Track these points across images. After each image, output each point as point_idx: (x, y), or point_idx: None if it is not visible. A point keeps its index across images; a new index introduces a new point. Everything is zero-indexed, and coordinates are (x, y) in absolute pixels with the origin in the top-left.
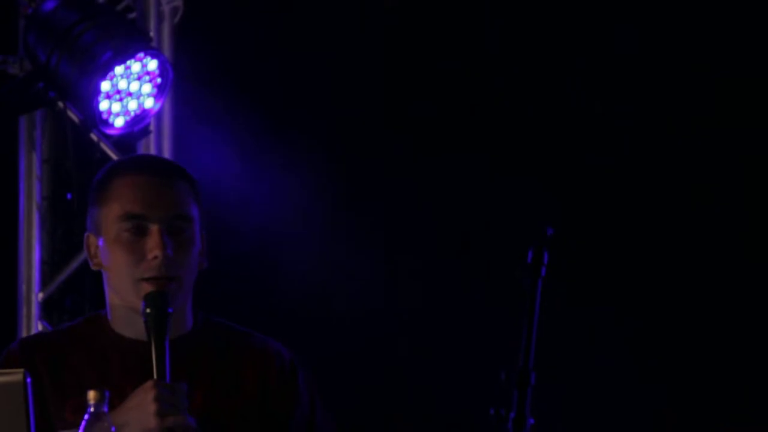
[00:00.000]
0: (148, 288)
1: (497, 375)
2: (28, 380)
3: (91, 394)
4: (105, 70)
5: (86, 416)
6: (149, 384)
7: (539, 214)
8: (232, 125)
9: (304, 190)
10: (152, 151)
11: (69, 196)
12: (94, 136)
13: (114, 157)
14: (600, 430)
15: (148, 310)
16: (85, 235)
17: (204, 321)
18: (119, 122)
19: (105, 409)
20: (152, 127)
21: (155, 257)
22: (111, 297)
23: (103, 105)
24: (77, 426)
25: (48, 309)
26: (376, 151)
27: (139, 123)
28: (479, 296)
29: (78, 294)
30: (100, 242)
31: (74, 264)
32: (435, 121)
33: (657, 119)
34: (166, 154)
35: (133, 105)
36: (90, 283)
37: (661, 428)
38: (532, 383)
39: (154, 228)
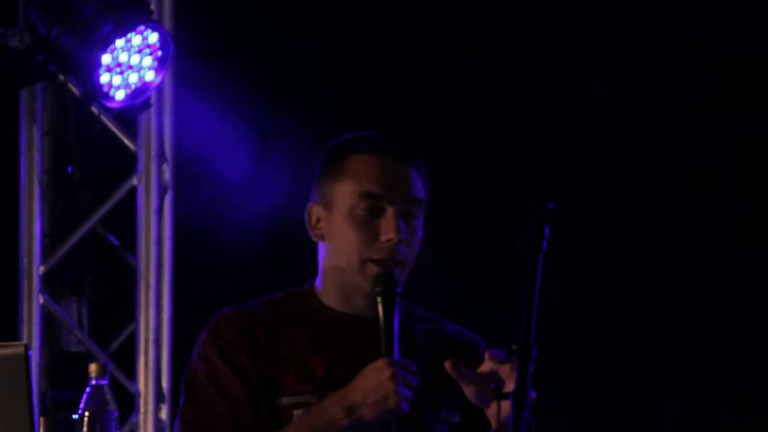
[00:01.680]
0: (374, 269)
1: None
2: (29, 353)
3: (93, 367)
4: (106, 43)
5: (87, 389)
6: (382, 362)
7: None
8: (232, 99)
9: (301, 165)
10: (153, 124)
11: (70, 169)
12: (94, 109)
13: (114, 130)
14: (600, 418)
15: (378, 289)
16: (308, 205)
17: (406, 306)
18: (120, 95)
19: (106, 382)
20: (153, 101)
21: (389, 239)
22: (327, 270)
23: (104, 78)
24: (299, 394)
25: (49, 282)
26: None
27: (139, 96)
28: (479, 282)
29: (78, 267)
30: (329, 215)
31: (75, 237)
32: (434, 105)
33: (657, 104)
34: (167, 127)
35: (133, 78)
36: (90, 256)
37: (660, 417)
38: (533, 357)
39: (390, 210)
